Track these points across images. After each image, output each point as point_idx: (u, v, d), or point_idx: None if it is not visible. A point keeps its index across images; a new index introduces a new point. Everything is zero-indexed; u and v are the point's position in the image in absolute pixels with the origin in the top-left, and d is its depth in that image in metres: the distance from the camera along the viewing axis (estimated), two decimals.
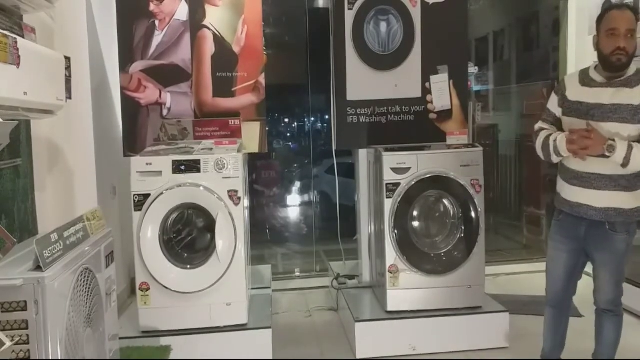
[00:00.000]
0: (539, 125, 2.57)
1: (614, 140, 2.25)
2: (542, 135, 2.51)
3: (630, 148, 2.23)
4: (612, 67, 2.33)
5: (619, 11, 2.32)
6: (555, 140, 2.42)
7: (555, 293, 2.58)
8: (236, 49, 3.44)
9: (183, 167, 2.87)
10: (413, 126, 3.55)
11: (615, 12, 2.32)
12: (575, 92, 2.45)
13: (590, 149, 2.29)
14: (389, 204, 3.10)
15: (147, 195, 2.85)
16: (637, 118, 2.28)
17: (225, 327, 2.96)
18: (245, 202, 3.07)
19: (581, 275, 2.57)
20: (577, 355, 2.72)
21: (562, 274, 2.53)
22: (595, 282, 2.50)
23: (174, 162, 2.87)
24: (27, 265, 1.74)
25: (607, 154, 2.25)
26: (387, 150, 3.18)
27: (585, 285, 2.62)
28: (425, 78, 3.55)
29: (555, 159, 2.48)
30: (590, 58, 3.74)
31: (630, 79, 2.33)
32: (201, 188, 2.87)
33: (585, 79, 2.45)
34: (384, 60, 3.54)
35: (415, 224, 3.27)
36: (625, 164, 2.25)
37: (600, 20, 2.37)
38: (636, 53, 2.34)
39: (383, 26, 3.53)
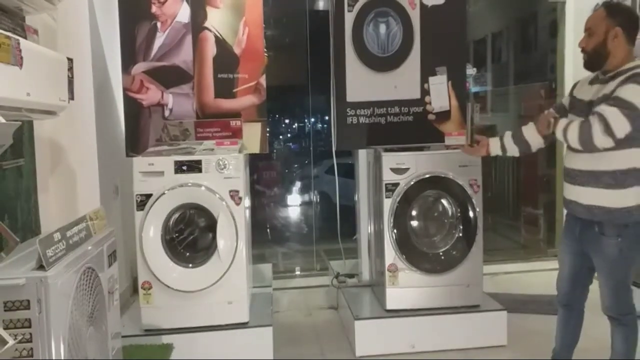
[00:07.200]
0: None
1: (557, 118, 2.30)
2: None
3: (569, 122, 2.26)
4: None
5: (592, 13, 2.35)
6: None
7: (562, 293, 2.56)
8: (237, 50, 3.46)
9: (185, 168, 2.89)
10: (412, 127, 3.57)
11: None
12: (580, 89, 2.45)
13: (539, 127, 2.41)
14: (388, 204, 3.13)
15: (149, 195, 2.87)
16: None
17: (226, 325, 2.98)
18: (247, 202, 3.09)
19: (592, 279, 2.51)
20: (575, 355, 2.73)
21: (567, 275, 2.52)
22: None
23: (175, 162, 2.90)
24: (30, 264, 1.74)
25: (551, 132, 2.32)
26: (386, 150, 3.20)
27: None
28: (424, 79, 3.57)
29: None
30: None
31: (620, 72, 2.23)
32: (203, 188, 2.89)
33: (593, 77, 2.42)
34: (383, 62, 3.56)
35: (414, 223, 3.29)
36: (564, 137, 2.27)
37: None
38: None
39: (382, 28, 3.55)
